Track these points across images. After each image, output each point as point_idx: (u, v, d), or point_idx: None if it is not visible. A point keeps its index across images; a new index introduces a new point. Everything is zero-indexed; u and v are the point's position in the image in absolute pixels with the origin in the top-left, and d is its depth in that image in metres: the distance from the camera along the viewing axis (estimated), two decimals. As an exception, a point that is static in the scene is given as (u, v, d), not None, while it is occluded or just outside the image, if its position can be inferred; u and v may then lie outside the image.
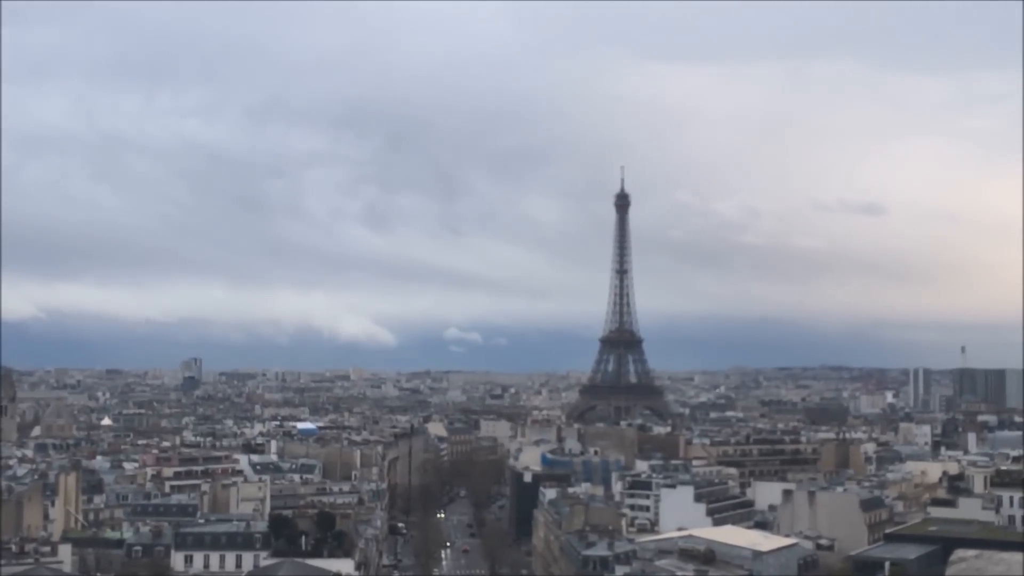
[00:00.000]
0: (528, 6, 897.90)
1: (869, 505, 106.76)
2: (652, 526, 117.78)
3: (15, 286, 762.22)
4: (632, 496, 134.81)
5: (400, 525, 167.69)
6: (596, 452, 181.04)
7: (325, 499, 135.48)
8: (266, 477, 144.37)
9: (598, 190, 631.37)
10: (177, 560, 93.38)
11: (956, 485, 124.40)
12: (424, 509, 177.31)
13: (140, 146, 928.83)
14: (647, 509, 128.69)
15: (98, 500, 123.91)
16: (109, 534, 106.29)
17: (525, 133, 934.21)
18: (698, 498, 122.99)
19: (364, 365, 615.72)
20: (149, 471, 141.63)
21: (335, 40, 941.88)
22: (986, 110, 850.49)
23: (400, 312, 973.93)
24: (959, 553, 52.46)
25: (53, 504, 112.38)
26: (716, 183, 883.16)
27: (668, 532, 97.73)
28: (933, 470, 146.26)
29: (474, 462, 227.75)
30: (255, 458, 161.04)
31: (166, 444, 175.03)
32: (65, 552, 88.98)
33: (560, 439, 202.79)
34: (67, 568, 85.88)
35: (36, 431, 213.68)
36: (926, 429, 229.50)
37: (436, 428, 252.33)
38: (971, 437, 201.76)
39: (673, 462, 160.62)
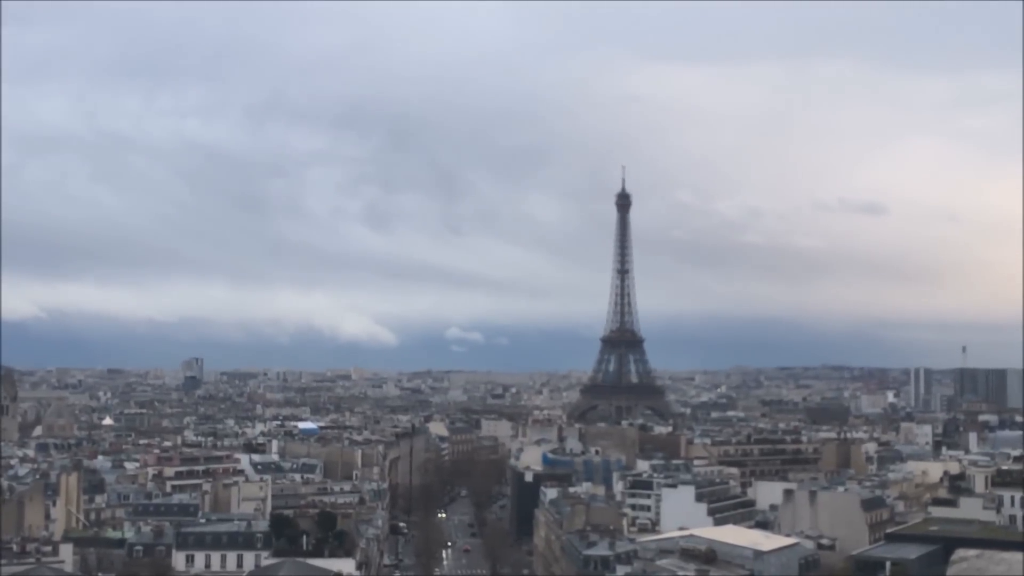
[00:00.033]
0: (529, 6, 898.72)
1: (870, 505, 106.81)
2: (653, 526, 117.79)
3: (16, 286, 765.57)
4: (633, 496, 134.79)
5: (401, 525, 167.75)
6: (597, 452, 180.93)
7: (326, 499, 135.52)
8: (267, 477, 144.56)
9: (599, 190, 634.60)
10: (178, 560, 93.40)
11: (957, 485, 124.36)
12: (425, 509, 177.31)
13: (140, 146, 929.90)
14: (648, 509, 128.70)
15: (99, 500, 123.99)
16: (110, 534, 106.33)
17: (526, 133, 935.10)
18: (699, 498, 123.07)
19: (365, 365, 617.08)
20: (150, 471, 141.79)
21: (336, 39, 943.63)
22: (986, 110, 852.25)
23: (401, 312, 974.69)
24: (960, 553, 52.51)
25: (54, 504, 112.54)
26: (717, 183, 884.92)
27: (669, 532, 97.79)
28: (934, 470, 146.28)
29: (475, 462, 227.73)
30: (256, 458, 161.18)
31: (167, 444, 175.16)
32: (66, 552, 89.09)
33: (561, 439, 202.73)
34: (68, 568, 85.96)
35: (37, 431, 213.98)
36: (927, 429, 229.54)
37: (437, 428, 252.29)
38: (972, 437, 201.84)
39: (674, 462, 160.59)
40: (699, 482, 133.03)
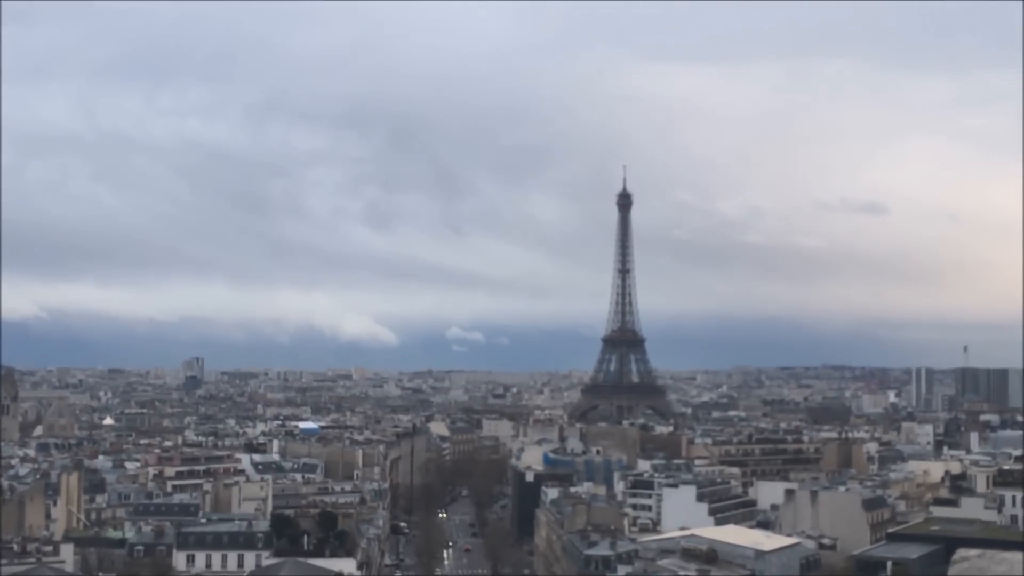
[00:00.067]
0: (530, 6, 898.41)
1: (871, 505, 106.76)
2: (654, 526, 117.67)
3: (16, 286, 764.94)
4: (634, 496, 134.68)
5: (402, 525, 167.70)
6: (598, 452, 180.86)
7: (327, 499, 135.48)
8: (268, 477, 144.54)
9: (600, 189, 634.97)
10: (179, 560, 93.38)
11: (958, 485, 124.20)
12: (426, 509, 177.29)
13: (141, 145, 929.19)
14: (649, 509, 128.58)
15: (100, 500, 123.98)
16: (111, 534, 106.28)
17: (527, 132, 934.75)
18: (700, 498, 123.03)
19: (366, 364, 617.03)
20: (151, 470, 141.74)
21: (336, 39, 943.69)
22: (987, 109, 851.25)
23: (402, 311, 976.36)
24: (961, 552, 52.49)
25: (55, 504, 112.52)
26: (718, 182, 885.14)
27: (670, 532, 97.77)
28: (935, 470, 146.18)
29: (476, 461, 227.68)
30: (257, 457, 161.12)
31: (168, 443, 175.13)
32: (67, 552, 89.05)
33: (562, 438, 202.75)
34: (69, 568, 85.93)
35: (38, 431, 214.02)
36: (928, 428, 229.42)
37: (438, 427, 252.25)
38: (973, 436, 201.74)
39: (675, 462, 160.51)
40: (700, 482, 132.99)
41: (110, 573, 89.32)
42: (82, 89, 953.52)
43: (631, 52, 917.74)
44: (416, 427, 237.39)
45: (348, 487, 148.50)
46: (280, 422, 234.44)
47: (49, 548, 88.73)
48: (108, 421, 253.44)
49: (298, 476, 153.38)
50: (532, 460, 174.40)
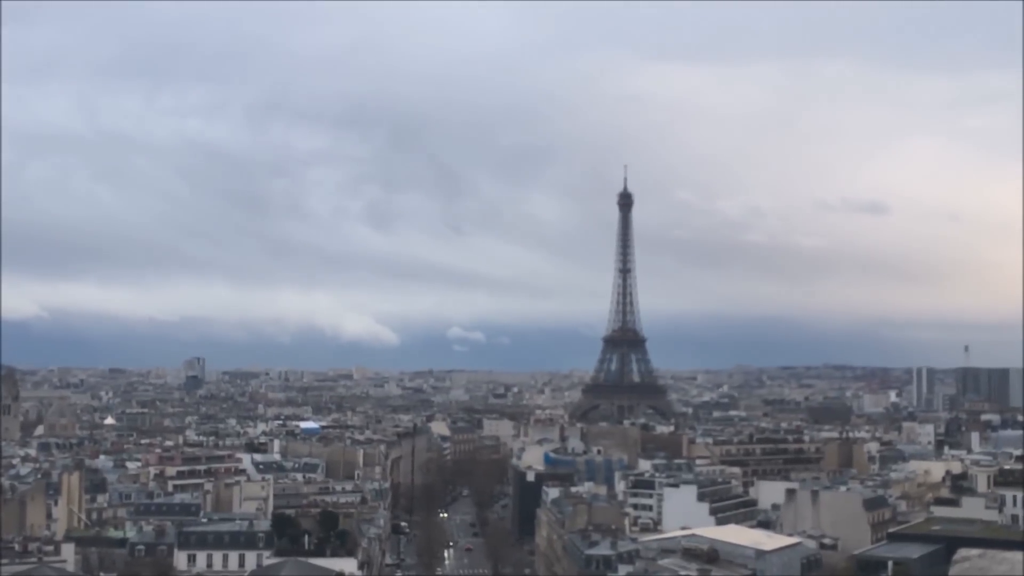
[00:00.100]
0: (530, 5, 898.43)
1: (872, 504, 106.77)
2: (655, 525, 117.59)
3: (17, 285, 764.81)
4: (635, 495, 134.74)
5: (403, 524, 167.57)
6: (599, 451, 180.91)
7: (328, 498, 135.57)
8: (269, 476, 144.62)
9: (601, 189, 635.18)
10: (180, 559, 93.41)
11: (959, 484, 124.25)
12: (427, 508, 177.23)
13: (142, 145, 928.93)
14: (650, 508, 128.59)
15: (101, 499, 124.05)
16: (112, 533, 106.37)
17: (528, 132, 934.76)
18: (701, 497, 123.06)
19: (367, 364, 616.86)
20: (152, 470, 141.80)
21: (337, 39, 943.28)
22: (987, 109, 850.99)
23: (403, 311, 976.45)
24: (962, 552, 52.32)
25: (56, 503, 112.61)
26: (719, 182, 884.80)
27: (671, 531, 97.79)
28: (936, 469, 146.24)
29: (477, 461, 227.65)
30: (258, 457, 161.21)
31: (169, 443, 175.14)
32: (68, 551, 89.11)
33: (563, 438, 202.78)
34: (70, 567, 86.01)
35: (39, 430, 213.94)
36: (929, 428, 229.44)
37: (439, 427, 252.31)
38: (974, 436, 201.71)
39: (676, 461, 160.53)
40: (701, 482, 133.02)
41: (111, 573, 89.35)
42: (82, 89, 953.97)
43: (632, 52, 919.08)
44: (417, 427, 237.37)
45: (349, 487, 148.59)
46: (281, 422, 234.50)
47: (50, 548, 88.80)
48: (109, 421, 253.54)
49: (299, 476, 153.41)
50: (533, 460, 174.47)
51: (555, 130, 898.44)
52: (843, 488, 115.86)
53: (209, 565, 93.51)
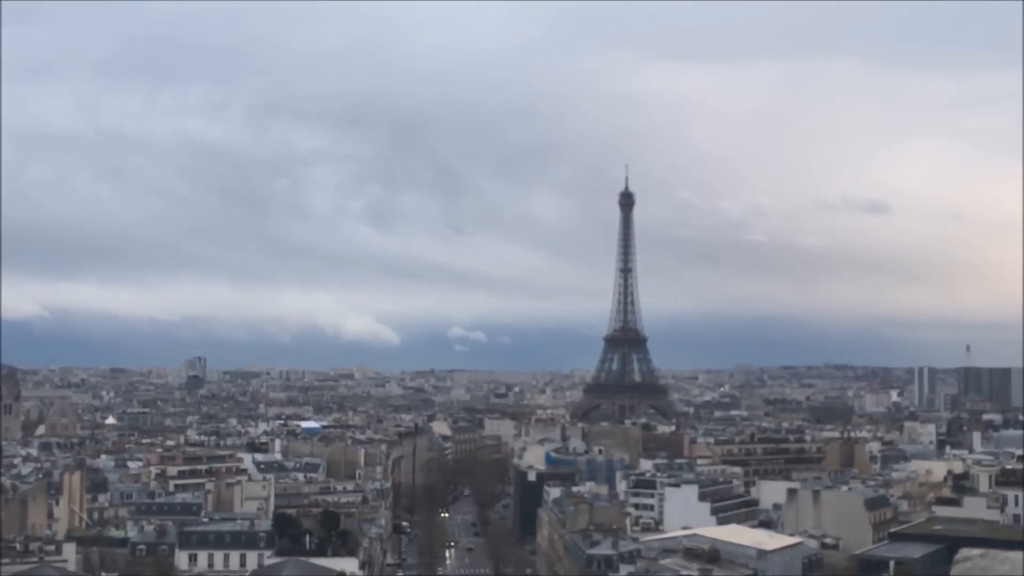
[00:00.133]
0: (532, 5, 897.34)
1: (874, 504, 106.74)
2: (656, 525, 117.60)
3: (18, 285, 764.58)
4: (636, 495, 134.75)
5: (404, 524, 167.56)
6: (600, 451, 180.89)
7: (329, 498, 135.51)
8: (270, 476, 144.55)
9: (602, 189, 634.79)
10: (181, 559, 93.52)
11: (961, 484, 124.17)
12: (428, 508, 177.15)
13: (143, 145, 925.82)
14: (651, 508, 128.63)
15: (102, 499, 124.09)
16: (113, 533, 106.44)
17: (529, 132, 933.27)
18: (702, 497, 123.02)
19: (368, 364, 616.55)
20: (153, 470, 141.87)
21: (338, 38, 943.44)
22: (987, 109, 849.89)
23: (404, 311, 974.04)
24: (964, 552, 52.26)
25: (57, 503, 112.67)
26: (720, 182, 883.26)
27: (672, 531, 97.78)
28: (938, 469, 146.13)
29: (478, 461, 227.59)
30: (259, 457, 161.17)
31: (170, 443, 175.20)
32: (69, 551, 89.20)
33: (564, 438, 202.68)
34: (71, 567, 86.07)
35: (40, 430, 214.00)
36: (931, 428, 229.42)
37: (440, 427, 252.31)
38: (976, 436, 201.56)
39: (677, 461, 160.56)
40: (702, 481, 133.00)
41: (112, 572, 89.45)
42: (83, 88, 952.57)
43: (633, 51, 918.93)
44: (418, 426, 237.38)
45: (350, 486, 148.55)
46: (282, 421, 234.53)
47: (51, 547, 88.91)
48: (110, 420, 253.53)
49: (300, 475, 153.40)
50: (534, 459, 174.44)
51: (556, 130, 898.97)
52: (844, 488, 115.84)
53: (210, 565, 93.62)
